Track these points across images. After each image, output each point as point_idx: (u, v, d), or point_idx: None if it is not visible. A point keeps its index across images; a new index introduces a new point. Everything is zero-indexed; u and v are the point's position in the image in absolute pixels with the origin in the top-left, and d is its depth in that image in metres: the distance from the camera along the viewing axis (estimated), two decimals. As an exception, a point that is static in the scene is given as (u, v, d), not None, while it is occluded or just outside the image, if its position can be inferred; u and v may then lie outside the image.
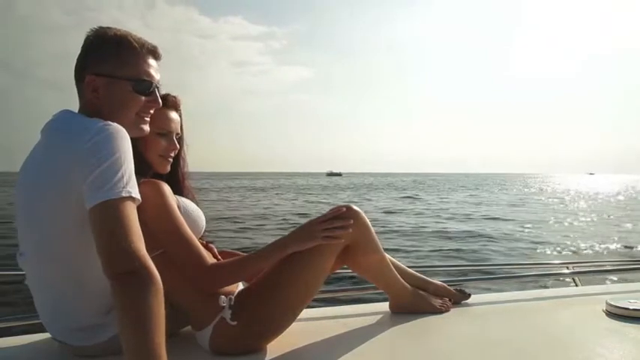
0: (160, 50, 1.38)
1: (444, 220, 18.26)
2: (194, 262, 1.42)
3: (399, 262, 1.94)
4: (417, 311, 1.89)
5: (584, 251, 11.64)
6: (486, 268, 3.12)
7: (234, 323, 1.45)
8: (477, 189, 54.14)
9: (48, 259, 1.26)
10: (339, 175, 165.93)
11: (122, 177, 1.10)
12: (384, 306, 1.94)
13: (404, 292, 1.88)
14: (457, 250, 11.17)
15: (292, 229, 1.57)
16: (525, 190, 54.20)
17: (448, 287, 2.03)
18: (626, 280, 2.65)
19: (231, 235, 13.12)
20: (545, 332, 1.72)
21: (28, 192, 1.26)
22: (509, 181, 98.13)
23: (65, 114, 1.29)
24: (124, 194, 1.08)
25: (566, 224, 17.58)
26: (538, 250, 11.48)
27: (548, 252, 11.34)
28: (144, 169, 1.50)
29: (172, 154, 1.58)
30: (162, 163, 1.56)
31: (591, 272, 2.70)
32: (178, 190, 1.63)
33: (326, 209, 1.63)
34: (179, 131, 1.61)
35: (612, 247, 12.35)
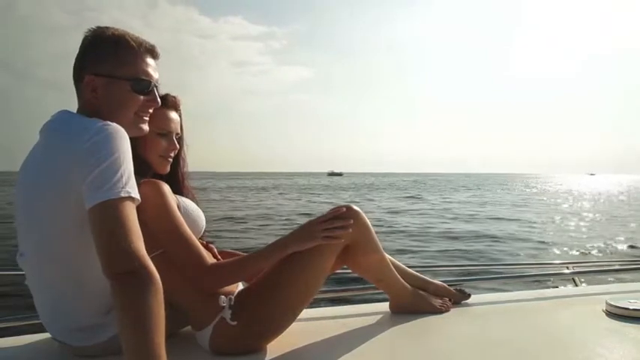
0: (158, 49, 1.38)
1: (450, 221, 18.23)
2: (194, 262, 1.42)
3: (399, 262, 1.94)
4: (417, 311, 1.89)
5: (592, 251, 11.64)
6: (486, 268, 3.12)
7: (234, 323, 1.46)
8: (479, 189, 54.14)
9: (48, 260, 1.26)
10: (340, 175, 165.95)
11: (121, 177, 1.10)
12: (384, 306, 1.94)
13: (404, 292, 1.88)
14: (464, 250, 11.15)
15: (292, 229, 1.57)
16: (527, 190, 54.18)
17: (448, 287, 2.03)
18: (626, 280, 2.65)
19: (237, 236, 13.14)
20: (546, 332, 1.72)
21: (27, 192, 1.26)
22: (510, 182, 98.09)
23: (64, 114, 1.29)
24: (123, 194, 1.08)
25: (571, 224, 17.60)
26: (550, 251, 11.46)
27: (558, 252, 11.34)
28: (144, 170, 1.50)
29: (172, 155, 1.58)
30: (162, 163, 1.56)
31: (591, 272, 2.70)
32: (178, 190, 1.63)
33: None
34: (179, 131, 1.61)
35: (620, 247, 12.38)
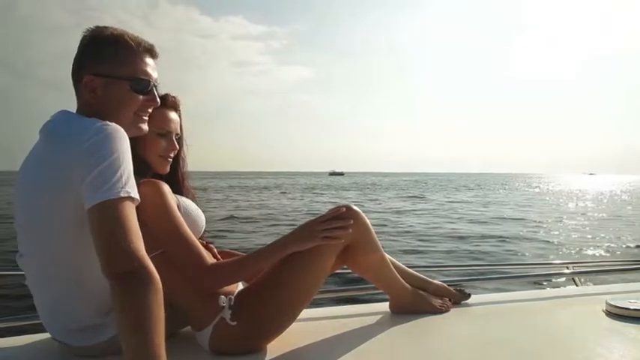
0: (157, 48, 1.37)
1: (456, 220, 18.19)
2: (194, 262, 1.42)
3: (399, 262, 1.94)
4: (417, 311, 1.88)
5: (599, 250, 11.65)
6: (486, 269, 3.12)
7: (234, 323, 1.46)
8: (481, 189, 54.12)
9: (47, 260, 1.26)
10: (342, 174, 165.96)
11: (121, 177, 1.10)
12: (384, 306, 1.94)
13: (404, 292, 1.87)
14: (472, 251, 11.12)
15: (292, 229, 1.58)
16: (530, 189, 54.17)
17: (448, 287, 2.02)
18: (626, 280, 2.65)
19: (242, 236, 13.17)
20: (546, 332, 1.72)
21: (27, 192, 1.26)
22: (511, 181, 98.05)
23: (63, 114, 1.29)
24: (122, 194, 1.08)
25: (579, 223, 17.60)
26: (559, 252, 11.45)
27: (567, 252, 11.34)
28: (143, 170, 1.50)
29: (172, 155, 1.58)
30: (161, 163, 1.56)
31: (591, 272, 2.70)
32: (178, 190, 1.63)
33: None
34: (178, 131, 1.61)
35: (632, 245, 12.39)
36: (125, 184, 1.10)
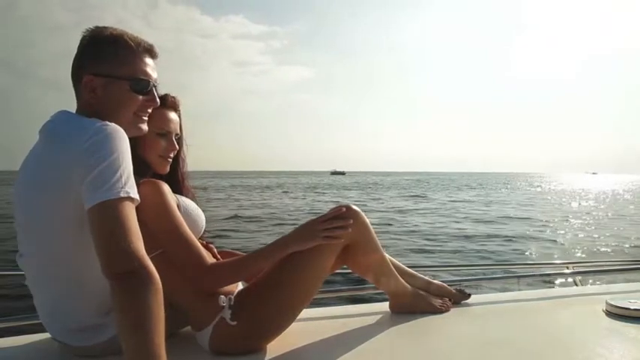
0: (157, 48, 1.37)
1: (461, 220, 18.16)
2: (194, 261, 1.42)
3: (399, 262, 1.94)
4: (417, 311, 1.88)
5: (607, 249, 11.65)
6: (487, 268, 3.13)
7: (234, 323, 1.46)
8: (483, 188, 54.06)
9: (47, 260, 1.26)
10: (343, 174, 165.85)
11: (120, 177, 1.10)
12: (384, 306, 1.94)
13: (404, 292, 1.88)
14: (479, 250, 11.11)
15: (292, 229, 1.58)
16: (531, 189, 54.10)
17: (448, 287, 2.02)
18: (626, 280, 2.65)
19: (246, 236, 13.17)
20: (546, 332, 1.72)
21: (27, 192, 1.26)
22: (512, 181, 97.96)
23: (63, 114, 1.29)
24: (122, 194, 1.08)
25: (585, 222, 17.58)
26: (569, 251, 11.43)
27: (574, 251, 11.33)
28: (143, 170, 1.50)
29: (172, 155, 1.58)
30: (161, 163, 1.56)
31: (591, 272, 2.70)
32: (178, 189, 1.63)
33: None
34: (178, 131, 1.61)
35: (639, 244, 12.37)
36: (125, 184, 1.10)
